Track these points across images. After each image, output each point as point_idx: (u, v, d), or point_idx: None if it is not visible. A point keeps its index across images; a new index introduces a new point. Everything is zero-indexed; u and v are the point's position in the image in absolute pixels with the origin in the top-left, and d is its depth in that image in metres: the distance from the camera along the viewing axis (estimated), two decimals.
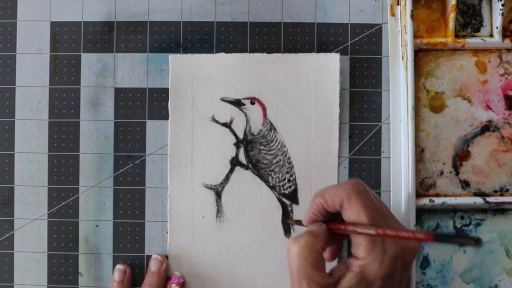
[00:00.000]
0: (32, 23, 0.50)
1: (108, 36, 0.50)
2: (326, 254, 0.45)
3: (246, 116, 0.49)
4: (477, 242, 0.35)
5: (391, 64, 0.49)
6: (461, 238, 0.38)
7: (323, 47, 0.50)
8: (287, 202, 0.48)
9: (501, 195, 0.49)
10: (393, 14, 0.50)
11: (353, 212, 0.40)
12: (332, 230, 0.42)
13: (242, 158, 0.48)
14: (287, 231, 0.48)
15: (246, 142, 0.49)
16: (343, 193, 0.41)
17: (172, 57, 0.49)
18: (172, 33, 0.50)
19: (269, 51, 0.50)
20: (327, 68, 0.49)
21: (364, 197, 0.41)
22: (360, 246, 0.40)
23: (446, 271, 0.49)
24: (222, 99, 0.49)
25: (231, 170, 0.48)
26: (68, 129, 0.49)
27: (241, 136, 0.49)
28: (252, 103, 0.48)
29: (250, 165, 0.48)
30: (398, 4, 0.50)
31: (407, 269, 0.41)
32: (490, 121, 0.50)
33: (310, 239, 0.41)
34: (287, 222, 0.48)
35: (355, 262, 0.40)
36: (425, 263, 0.49)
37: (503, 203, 0.48)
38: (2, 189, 0.49)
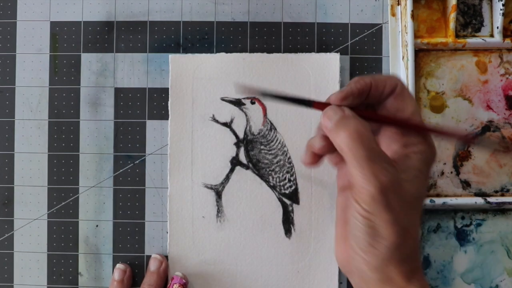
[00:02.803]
0: (32, 23, 0.50)
1: (108, 36, 0.50)
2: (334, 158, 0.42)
3: (246, 115, 0.49)
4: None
5: (391, 64, 0.49)
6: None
7: (323, 47, 0.50)
8: (287, 202, 0.48)
9: (502, 195, 0.49)
10: (393, 14, 0.50)
11: (406, 100, 0.39)
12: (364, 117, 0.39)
13: (242, 157, 0.48)
14: (287, 231, 0.48)
15: (246, 142, 0.49)
16: (396, 80, 0.39)
17: (172, 57, 0.49)
18: (172, 33, 0.50)
19: (269, 51, 0.50)
20: (327, 68, 0.49)
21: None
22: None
23: (447, 271, 0.49)
24: (222, 99, 0.49)
25: (232, 170, 0.48)
26: (68, 129, 0.49)
27: (241, 135, 0.49)
28: (253, 103, 0.48)
29: (250, 165, 0.48)
30: (398, 4, 0.50)
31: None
32: (490, 121, 0.50)
33: (356, 121, 0.36)
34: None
35: (414, 148, 0.38)
36: (425, 263, 0.49)
37: (503, 203, 0.48)
38: (2, 189, 0.49)
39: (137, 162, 0.49)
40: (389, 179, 0.35)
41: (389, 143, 0.39)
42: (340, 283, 0.48)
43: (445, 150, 0.49)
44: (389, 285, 0.36)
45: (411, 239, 0.36)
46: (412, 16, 0.48)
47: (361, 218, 0.36)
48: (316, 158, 0.41)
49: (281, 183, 0.48)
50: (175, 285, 0.46)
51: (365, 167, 0.35)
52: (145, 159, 0.49)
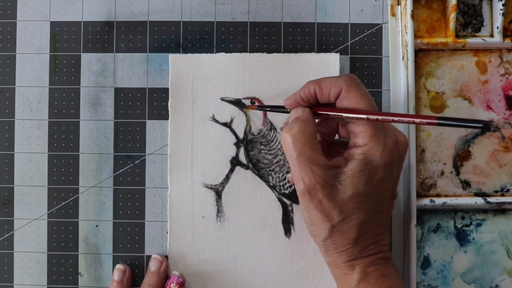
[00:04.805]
0: (32, 23, 0.50)
1: (108, 36, 0.50)
2: None
3: (246, 115, 0.49)
4: (481, 122, 0.35)
5: (391, 64, 0.49)
6: (466, 120, 0.37)
7: (323, 47, 0.50)
8: (287, 202, 0.48)
9: (502, 195, 0.49)
10: (393, 14, 0.50)
11: (352, 101, 0.40)
12: (317, 116, 0.42)
13: (242, 158, 0.48)
14: (287, 231, 0.48)
15: (246, 142, 0.49)
16: (342, 83, 0.41)
17: (172, 57, 0.49)
18: (172, 33, 0.50)
19: (269, 51, 0.50)
20: (327, 68, 0.49)
21: (362, 88, 0.41)
22: (361, 133, 0.40)
23: (447, 271, 0.49)
24: (222, 99, 0.49)
25: (231, 170, 0.48)
26: (68, 129, 0.49)
27: (241, 135, 0.49)
28: (252, 103, 0.48)
29: (250, 165, 0.48)
30: (398, 4, 0.50)
31: (401, 164, 0.42)
32: (490, 121, 0.50)
33: (301, 124, 0.41)
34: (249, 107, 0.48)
35: (357, 150, 0.40)
36: (426, 263, 0.49)
37: (503, 203, 0.48)
38: (2, 189, 0.49)
39: (137, 162, 0.49)
40: (312, 182, 0.39)
41: (341, 145, 0.44)
42: None
43: (445, 150, 0.49)
44: (338, 269, 0.41)
45: (347, 234, 0.40)
46: (412, 16, 0.48)
47: (302, 211, 0.41)
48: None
49: (281, 183, 0.48)
50: (172, 284, 0.46)
51: (293, 168, 0.40)
52: (145, 159, 0.49)
